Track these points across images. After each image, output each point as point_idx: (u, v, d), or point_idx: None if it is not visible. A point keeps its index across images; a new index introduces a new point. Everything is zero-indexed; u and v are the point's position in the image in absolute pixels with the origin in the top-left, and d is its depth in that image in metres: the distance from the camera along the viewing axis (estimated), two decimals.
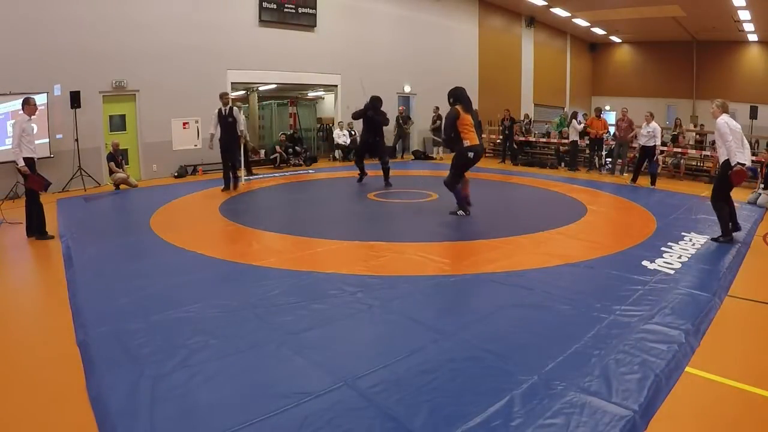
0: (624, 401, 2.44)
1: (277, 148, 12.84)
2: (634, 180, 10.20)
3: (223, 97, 8.94)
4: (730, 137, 5.42)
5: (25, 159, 5.68)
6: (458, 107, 6.48)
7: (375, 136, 9.32)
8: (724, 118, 5.50)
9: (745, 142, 5.96)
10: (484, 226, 6.46)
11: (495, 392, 2.51)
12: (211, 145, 8.95)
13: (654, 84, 22.59)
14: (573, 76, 24.47)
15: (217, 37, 11.63)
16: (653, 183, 9.89)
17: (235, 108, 8.94)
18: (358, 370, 2.72)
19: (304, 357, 2.91)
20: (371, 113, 9.23)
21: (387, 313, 3.60)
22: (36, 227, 5.88)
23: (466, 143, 6.44)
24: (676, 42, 21.40)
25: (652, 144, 9.81)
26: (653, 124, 9.86)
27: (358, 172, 9.84)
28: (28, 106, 5.73)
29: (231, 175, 9.12)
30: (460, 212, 6.73)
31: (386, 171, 9.29)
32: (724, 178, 5.55)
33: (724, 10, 15.89)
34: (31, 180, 5.78)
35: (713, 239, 5.67)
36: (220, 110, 8.80)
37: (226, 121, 8.77)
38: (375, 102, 9.26)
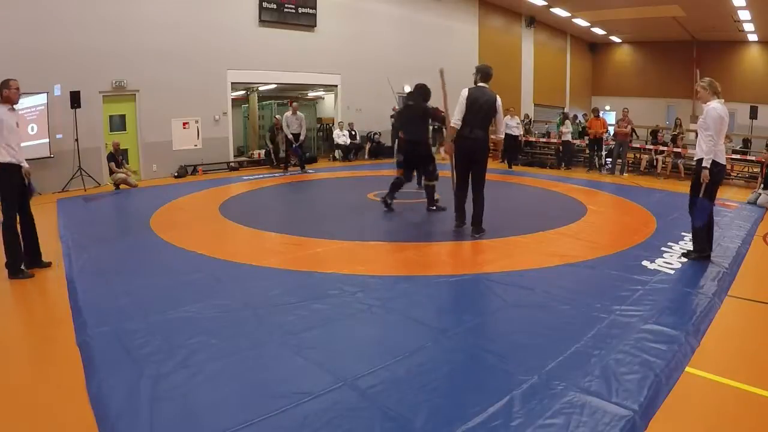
0: (624, 401, 2.44)
1: None
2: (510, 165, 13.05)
3: None
4: (711, 131, 4.44)
5: (3, 164, 4.41)
6: None
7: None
8: (713, 104, 4.49)
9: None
10: (484, 226, 6.44)
11: (495, 392, 2.51)
12: None
13: (654, 84, 22.58)
14: (573, 76, 24.47)
15: (217, 37, 11.64)
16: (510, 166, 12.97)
17: None
18: (358, 370, 2.72)
19: (304, 357, 2.91)
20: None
21: (387, 313, 3.59)
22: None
23: None
24: (676, 42, 21.39)
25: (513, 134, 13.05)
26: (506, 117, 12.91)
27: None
28: (8, 89, 4.37)
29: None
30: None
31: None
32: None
33: (724, 10, 15.88)
34: None
35: (685, 255, 4.89)
36: None
37: None
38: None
